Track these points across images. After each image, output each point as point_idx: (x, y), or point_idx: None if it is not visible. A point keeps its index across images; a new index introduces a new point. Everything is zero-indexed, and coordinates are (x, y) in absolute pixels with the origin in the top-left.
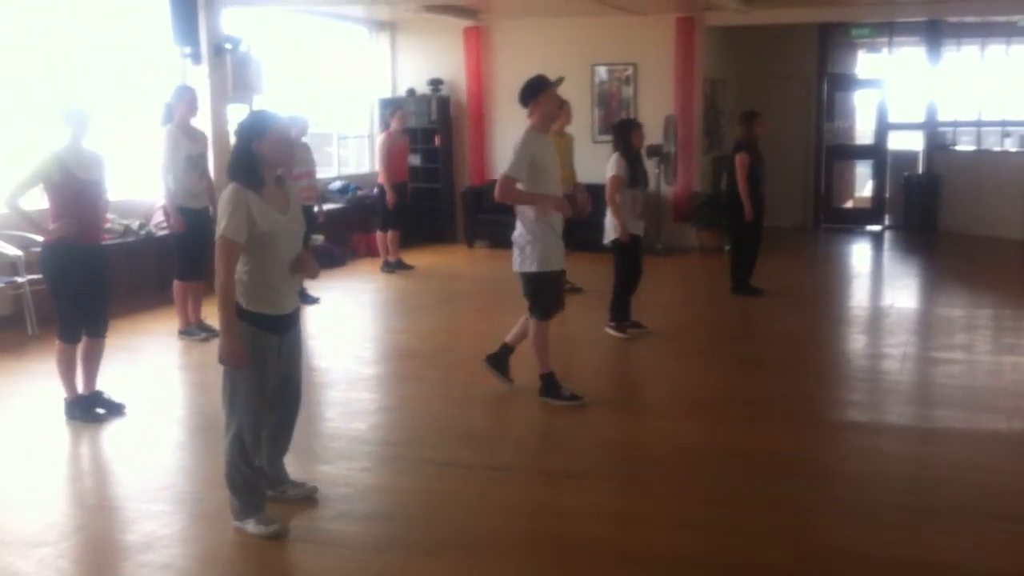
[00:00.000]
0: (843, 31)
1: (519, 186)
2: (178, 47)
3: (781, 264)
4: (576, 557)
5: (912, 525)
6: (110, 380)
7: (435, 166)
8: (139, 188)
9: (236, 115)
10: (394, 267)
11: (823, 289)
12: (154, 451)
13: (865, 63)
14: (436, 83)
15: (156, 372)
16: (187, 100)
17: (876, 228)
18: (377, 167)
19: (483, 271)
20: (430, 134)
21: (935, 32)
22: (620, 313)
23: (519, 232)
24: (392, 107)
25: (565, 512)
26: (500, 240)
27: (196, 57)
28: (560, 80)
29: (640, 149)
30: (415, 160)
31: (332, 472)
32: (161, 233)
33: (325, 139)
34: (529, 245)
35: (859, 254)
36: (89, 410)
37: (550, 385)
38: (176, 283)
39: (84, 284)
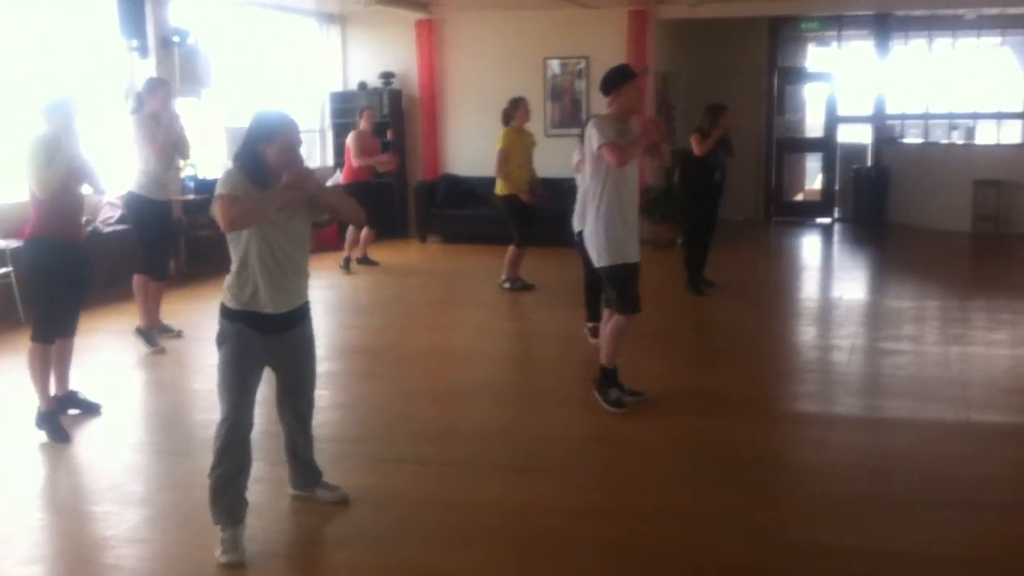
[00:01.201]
0: (793, 25)
1: (585, 176)
2: (125, 40)
3: (733, 257)
4: (531, 551)
5: (863, 514)
6: None
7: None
8: (85, 186)
9: (185, 109)
10: (364, 263)
11: (774, 282)
12: (104, 451)
13: (815, 57)
14: (388, 77)
15: (107, 370)
16: (160, 95)
17: (826, 221)
18: (353, 162)
19: (436, 266)
20: (382, 128)
21: (883, 26)
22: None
23: (590, 227)
24: (360, 106)
25: (519, 507)
26: (453, 235)
27: (143, 50)
28: (646, 70)
29: None
30: None
31: (282, 470)
32: (108, 230)
33: None
34: (600, 238)
35: (809, 247)
36: (59, 428)
37: (607, 380)
38: (136, 277)
39: (66, 282)
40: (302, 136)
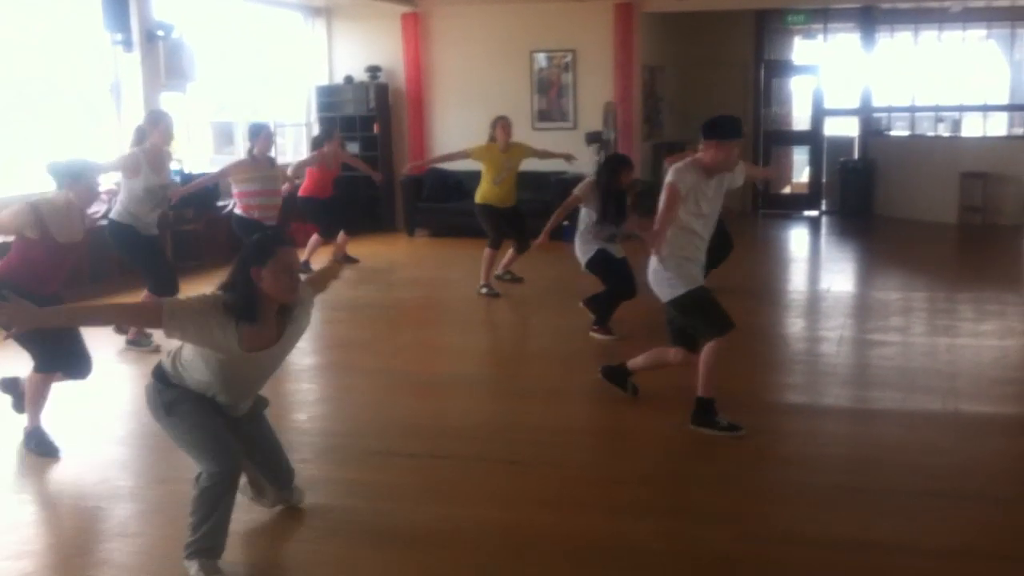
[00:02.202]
0: (779, 18)
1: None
2: (109, 34)
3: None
4: (520, 545)
5: (850, 505)
6: None
7: (374, 154)
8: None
9: (170, 103)
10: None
11: (762, 274)
12: (93, 445)
13: (801, 49)
14: (374, 70)
15: (95, 365)
16: (162, 128)
17: (813, 213)
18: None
19: (424, 260)
20: (368, 122)
21: (869, 19)
22: (607, 314)
23: (654, 266)
24: (329, 131)
25: (508, 500)
26: (441, 229)
27: (127, 44)
28: (741, 138)
29: (624, 189)
30: (354, 148)
31: None
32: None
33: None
34: (668, 272)
35: (797, 239)
36: (46, 443)
37: (706, 411)
38: (147, 295)
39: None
40: (289, 130)
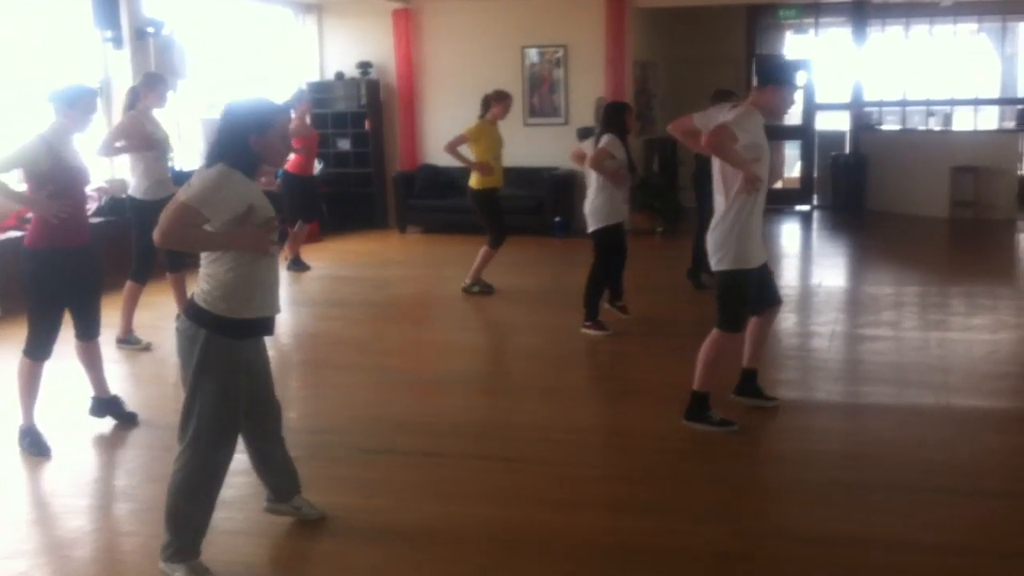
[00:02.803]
0: (771, 13)
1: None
2: (99, 31)
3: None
4: (515, 542)
5: (844, 501)
6: None
7: (365, 150)
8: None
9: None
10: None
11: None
12: (85, 445)
13: (792, 44)
14: (365, 66)
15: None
16: (157, 91)
17: (805, 208)
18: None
19: (416, 257)
20: (360, 118)
21: (860, 13)
22: (594, 309)
23: (714, 228)
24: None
25: (503, 498)
26: (433, 226)
27: (118, 41)
28: (803, 83)
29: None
30: (345, 144)
31: None
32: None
33: None
34: (726, 239)
35: (788, 234)
36: (39, 443)
37: (700, 405)
38: (129, 284)
39: (70, 292)
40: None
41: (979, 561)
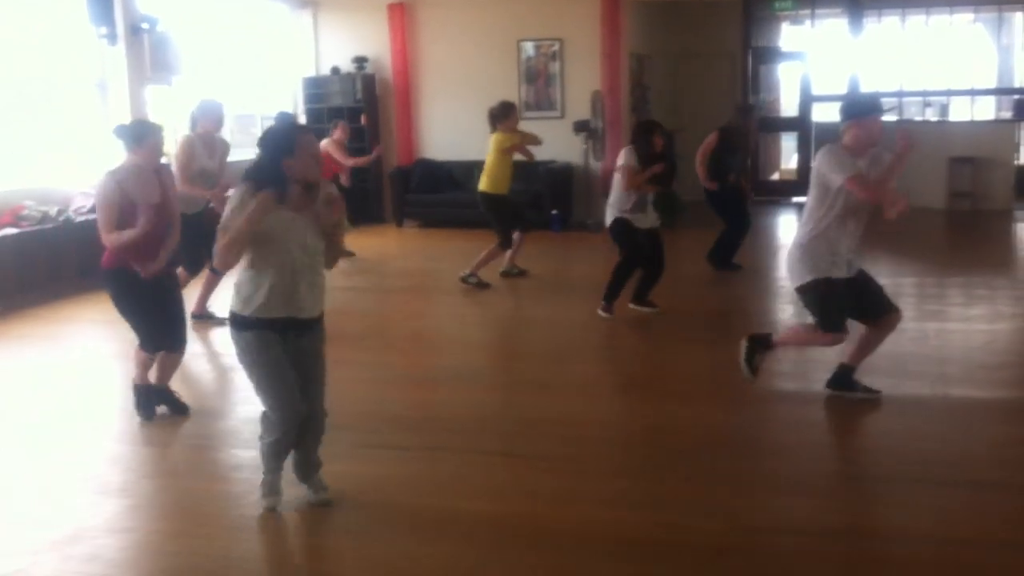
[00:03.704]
0: (766, 5)
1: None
2: (94, 27)
3: (709, 237)
4: (514, 536)
5: (843, 493)
6: (35, 367)
7: (361, 146)
8: (56, 174)
9: (156, 96)
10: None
11: (750, 261)
12: (83, 440)
13: (789, 36)
14: (361, 61)
15: (81, 359)
16: (212, 118)
17: (802, 200)
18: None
19: (413, 251)
20: (356, 113)
21: (856, 4)
22: (614, 295)
23: (794, 245)
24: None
25: (501, 492)
26: (430, 220)
27: (112, 38)
28: (890, 108)
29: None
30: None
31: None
32: (81, 219)
33: (249, 120)
34: (800, 257)
35: (786, 226)
36: (147, 406)
37: (760, 345)
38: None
39: (153, 307)
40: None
41: (977, 551)
